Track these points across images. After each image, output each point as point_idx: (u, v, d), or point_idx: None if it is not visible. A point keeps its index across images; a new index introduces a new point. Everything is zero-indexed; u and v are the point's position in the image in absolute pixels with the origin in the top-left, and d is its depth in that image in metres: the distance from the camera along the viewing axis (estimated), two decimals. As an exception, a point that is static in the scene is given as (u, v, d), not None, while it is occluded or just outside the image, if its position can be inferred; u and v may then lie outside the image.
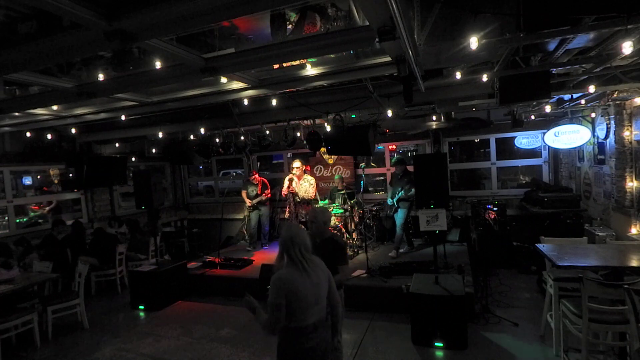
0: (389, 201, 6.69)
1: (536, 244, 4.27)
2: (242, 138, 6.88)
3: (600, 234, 5.33)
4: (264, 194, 7.69)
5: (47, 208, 8.34)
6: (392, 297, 5.07)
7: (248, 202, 7.69)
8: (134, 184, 6.20)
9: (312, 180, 7.34)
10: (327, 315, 2.49)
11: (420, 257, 6.22)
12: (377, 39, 2.35)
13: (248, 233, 8.02)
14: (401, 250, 6.70)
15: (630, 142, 5.17)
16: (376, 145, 7.18)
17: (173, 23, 2.35)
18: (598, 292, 3.16)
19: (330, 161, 8.88)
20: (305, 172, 7.50)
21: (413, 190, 6.27)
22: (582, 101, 5.32)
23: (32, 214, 8.34)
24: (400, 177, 6.54)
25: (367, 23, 2.61)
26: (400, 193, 6.44)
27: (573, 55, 3.59)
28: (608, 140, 5.58)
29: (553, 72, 4.11)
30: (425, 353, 4.09)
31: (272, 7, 2.74)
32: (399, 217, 6.52)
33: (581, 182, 6.78)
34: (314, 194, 7.30)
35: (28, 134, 6.91)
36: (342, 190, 7.48)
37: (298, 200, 7.17)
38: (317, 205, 6.80)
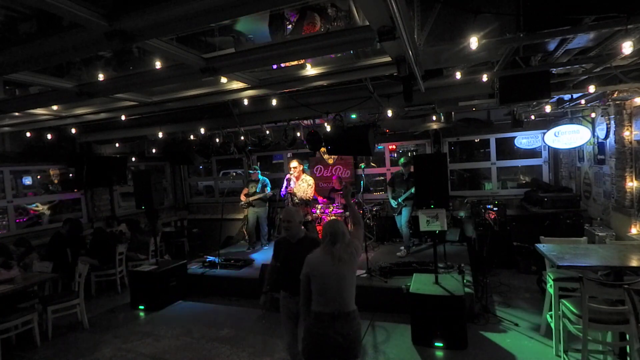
0: (393, 203, 6.67)
1: (536, 244, 4.28)
2: (242, 138, 6.86)
3: (600, 234, 5.32)
4: (263, 192, 7.54)
5: (47, 206, 8.35)
6: (392, 297, 5.07)
7: (243, 198, 7.56)
8: (133, 184, 6.21)
9: (311, 181, 7.20)
10: (355, 314, 2.67)
11: (420, 257, 6.22)
12: (377, 39, 2.35)
13: (247, 233, 8.00)
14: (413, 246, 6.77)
15: (630, 142, 5.17)
16: (376, 145, 7.16)
17: (173, 23, 2.34)
18: (598, 292, 3.16)
19: (330, 161, 8.87)
20: (303, 171, 7.40)
21: None
22: (582, 101, 5.32)
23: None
24: (406, 179, 6.57)
25: (367, 23, 2.60)
26: (406, 193, 6.48)
27: (573, 55, 3.58)
28: (608, 140, 5.57)
29: (553, 72, 4.10)
30: (425, 353, 4.09)
31: (272, 7, 2.74)
32: (404, 215, 6.56)
33: (581, 182, 6.78)
34: (312, 195, 7.21)
35: (28, 134, 6.91)
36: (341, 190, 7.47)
37: (296, 201, 7.03)
38: (289, 207, 6.57)
